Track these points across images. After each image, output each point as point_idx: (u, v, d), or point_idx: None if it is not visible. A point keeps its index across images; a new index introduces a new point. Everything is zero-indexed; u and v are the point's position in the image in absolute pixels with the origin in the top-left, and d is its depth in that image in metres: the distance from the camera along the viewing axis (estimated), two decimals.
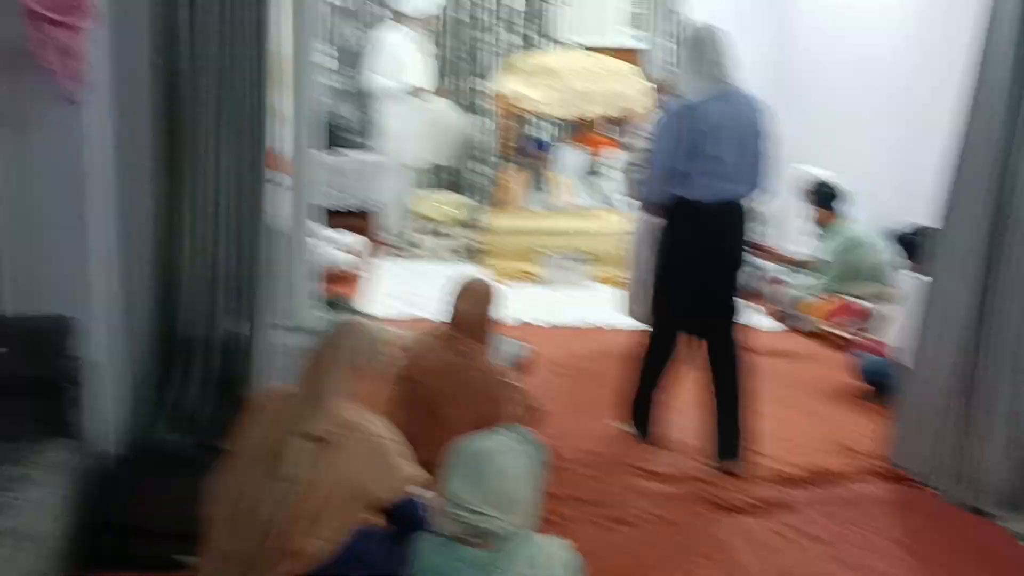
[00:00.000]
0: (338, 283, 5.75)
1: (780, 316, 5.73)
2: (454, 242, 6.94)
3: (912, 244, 4.50)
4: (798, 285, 5.76)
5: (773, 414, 3.82)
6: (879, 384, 4.31)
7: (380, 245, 6.89)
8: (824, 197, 5.69)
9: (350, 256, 6.31)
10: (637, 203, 4.13)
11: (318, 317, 4.29)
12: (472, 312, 3.20)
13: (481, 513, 2.05)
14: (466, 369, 3.12)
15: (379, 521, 2.37)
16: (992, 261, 3.26)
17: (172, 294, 3.19)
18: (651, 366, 3.70)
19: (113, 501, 2.75)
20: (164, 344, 3.20)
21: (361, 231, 6.71)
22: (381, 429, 2.37)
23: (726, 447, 3.52)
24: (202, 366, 3.20)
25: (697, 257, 3.49)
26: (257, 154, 3.18)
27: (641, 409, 3.75)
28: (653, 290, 3.68)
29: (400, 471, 2.36)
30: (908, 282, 4.36)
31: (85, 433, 2.83)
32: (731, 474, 3.47)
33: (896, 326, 4.33)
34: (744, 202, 3.48)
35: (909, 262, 4.57)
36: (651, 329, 3.74)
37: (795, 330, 5.54)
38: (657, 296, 3.67)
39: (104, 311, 2.93)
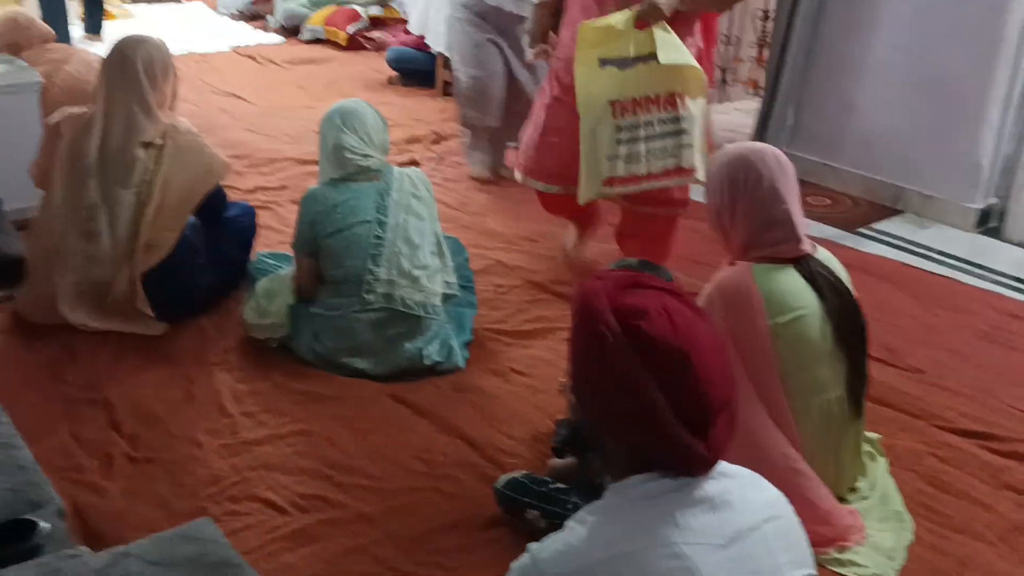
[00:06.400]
0: None
1: (280, 30, 6.73)
2: None
3: None
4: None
5: None
6: (402, 70, 5.63)
7: None
8: None
9: None
10: None
11: None
12: None
13: (368, 155, 2.69)
14: None
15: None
16: None
17: None
18: None
19: None
20: None
21: None
22: (192, 127, 2.86)
23: None
24: None
25: None
26: None
27: None
28: None
29: (215, 160, 2.87)
30: None
31: None
32: None
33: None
34: None
35: None
36: None
37: (300, 42, 6.60)
38: None
39: None
